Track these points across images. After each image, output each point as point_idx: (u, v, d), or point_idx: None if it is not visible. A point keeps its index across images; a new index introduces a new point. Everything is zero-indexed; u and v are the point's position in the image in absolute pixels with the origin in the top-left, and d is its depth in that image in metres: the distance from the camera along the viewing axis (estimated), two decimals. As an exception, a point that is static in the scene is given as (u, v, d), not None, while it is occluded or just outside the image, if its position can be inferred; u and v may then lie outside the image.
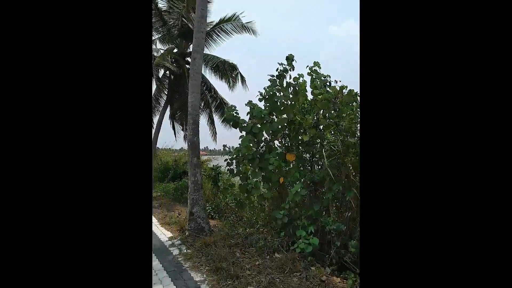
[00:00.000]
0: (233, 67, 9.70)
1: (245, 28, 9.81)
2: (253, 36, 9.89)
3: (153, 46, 10.73)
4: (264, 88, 4.84)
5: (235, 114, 4.52)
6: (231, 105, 4.56)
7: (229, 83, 10.71)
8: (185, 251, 4.22)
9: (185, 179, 12.43)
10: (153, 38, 12.51)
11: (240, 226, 5.71)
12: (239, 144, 5.16)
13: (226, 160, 4.86)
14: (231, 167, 4.83)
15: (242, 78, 9.76)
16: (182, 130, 11.43)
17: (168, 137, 30.54)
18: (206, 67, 10.67)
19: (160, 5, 9.51)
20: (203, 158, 16.16)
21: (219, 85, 10.98)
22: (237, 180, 6.36)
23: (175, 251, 4.22)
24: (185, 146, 16.41)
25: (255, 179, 4.41)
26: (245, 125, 4.49)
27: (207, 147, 16.68)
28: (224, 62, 9.70)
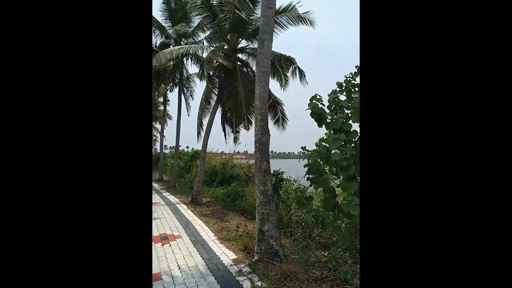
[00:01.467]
0: (290, 61, 8.70)
1: (301, 19, 8.79)
2: (311, 28, 8.82)
3: (201, 44, 10.18)
4: (346, 77, 3.76)
5: (320, 106, 3.47)
6: (315, 94, 3.53)
7: (281, 81, 9.73)
8: (259, 284, 3.25)
9: (234, 184, 11.73)
10: (201, 38, 12.08)
11: (315, 248, 4.66)
12: (316, 145, 4.12)
13: (305, 165, 3.84)
14: (310, 175, 3.79)
15: (301, 73, 8.68)
16: (232, 132, 10.67)
17: (211, 141, 30.46)
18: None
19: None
20: (250, 161, 15.50)
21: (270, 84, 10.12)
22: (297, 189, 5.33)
23: (246, 283, 3.27)
24: (227, 150, 15.73)
25: (351, 193, 3.30)
26: (334, 120, 3.43)
27: (246, 151, 15.65)
28: (280, 56, 8.74)
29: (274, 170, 6.46)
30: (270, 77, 9.85)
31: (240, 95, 8.60)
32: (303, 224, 5.72)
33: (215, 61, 8.24)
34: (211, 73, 8.79)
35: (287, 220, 5.84)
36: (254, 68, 9.94)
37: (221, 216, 7.24)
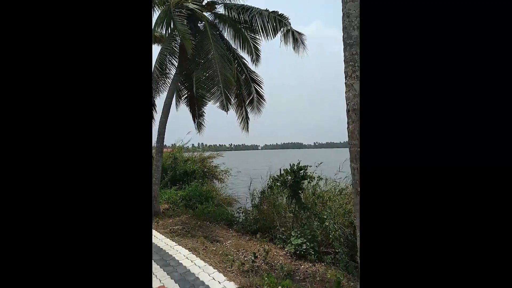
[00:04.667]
0: (279, 22, 6.69)
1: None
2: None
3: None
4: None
5: None
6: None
7: (252, 55, 7.74)
8: None
9: (195, 183, 9.33)
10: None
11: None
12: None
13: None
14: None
15: (295, 38, 6.69)
16: (194, 116, 8.18)
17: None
18: (225, 25, 7.58)
19: None
20: (205, 154, 13.10)
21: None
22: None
23: None
24: (172, 140, 12.47)
25: None
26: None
27: (182, 140, 11.74)
28: (268, 14, 6.67)
29: (291, 164, 4.49)
30: (239, 46, 7.81)
31: (215, 63, 6.29)
32: (342, 240, 3.98)
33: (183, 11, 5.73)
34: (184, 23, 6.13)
35: (323, 236, 3.99)
36: (226, 33, 7.71)
37: (203, 233, 4.97)
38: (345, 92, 2.12)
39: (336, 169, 6.12)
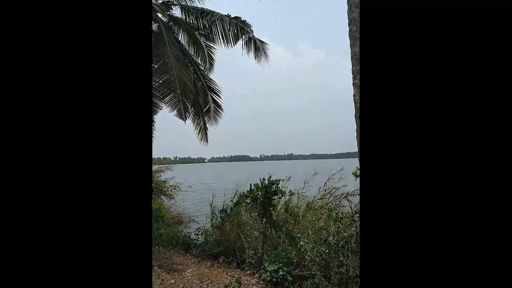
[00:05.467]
0: (240, 29, 6.35)
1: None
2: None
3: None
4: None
5: None
6: None
7: (206, 62, 7.34)
8: None
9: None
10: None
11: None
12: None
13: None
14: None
15: (257, 47, 6.40)
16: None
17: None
18: (180, 29, 7.07)
19: None
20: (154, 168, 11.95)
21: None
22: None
23: None
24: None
25: None
26: None
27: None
28: (229, 20, 6.30)
29: (261, 179, 4.06)
30: (193, 53, 7.35)
31: (171, 68, 5.68)
32: (318, 260, 3.66)
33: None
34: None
35: (298, 258, 3.60)
36: (181, 38, 7.16)
37: (156, 261, 4.22)
38: (354, 95, 1.82)
39: (296, 182, 5.90)
